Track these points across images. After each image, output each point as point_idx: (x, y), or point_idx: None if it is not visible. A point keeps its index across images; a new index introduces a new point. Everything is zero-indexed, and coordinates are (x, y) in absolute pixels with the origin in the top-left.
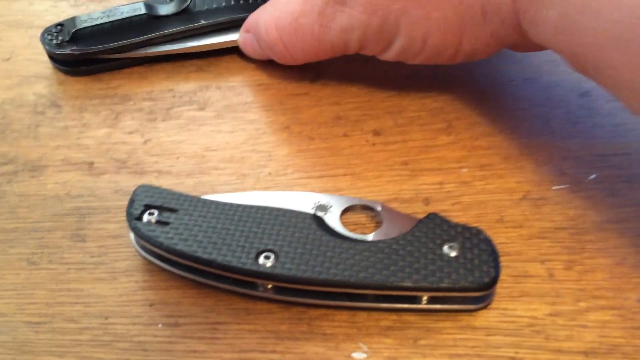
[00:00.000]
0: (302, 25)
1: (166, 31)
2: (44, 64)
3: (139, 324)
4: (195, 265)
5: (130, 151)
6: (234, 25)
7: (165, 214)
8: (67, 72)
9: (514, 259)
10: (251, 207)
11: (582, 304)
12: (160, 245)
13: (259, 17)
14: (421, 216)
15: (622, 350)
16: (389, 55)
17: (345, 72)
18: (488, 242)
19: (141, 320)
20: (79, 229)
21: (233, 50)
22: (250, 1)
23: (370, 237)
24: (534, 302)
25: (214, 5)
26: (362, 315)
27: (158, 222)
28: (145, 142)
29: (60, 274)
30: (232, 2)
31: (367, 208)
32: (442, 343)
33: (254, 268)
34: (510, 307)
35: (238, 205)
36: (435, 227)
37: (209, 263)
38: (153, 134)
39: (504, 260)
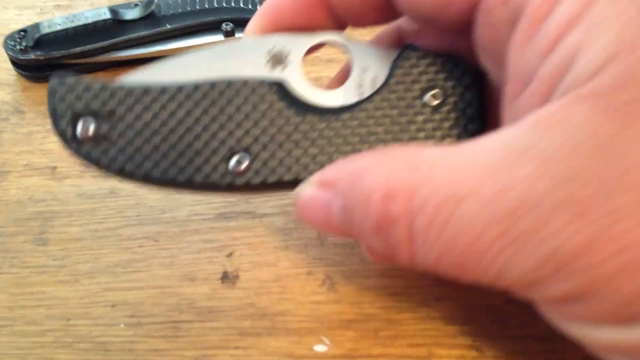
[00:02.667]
0: (461, 217)
1: (131, 36)
2: (8, 71)
3: (101, 325)
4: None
5: None
6: (199, 29)
7: (104, 124)
8: (31, 79)
9: None
10: (201, 91)
11: None
12: (115, 172)
13: (364, 169)
14: None
15: None
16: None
17: (310, 74)
18: (472, 72)
19: (103, 321)
20: (42, 233)
21: None
22: (215, 5)
23: (340, 95)
24: (490, 292)
25: (179, 10)
26: (325, 308)
27: (96, 137)
28: None
29: (22, 278)
30: (197, 7)
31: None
32: (402, 334)
33: (229, 181)
34: (468, 296)
35: (185, 96)
36: (413, 68)
37: (181, 185)
38: None
39: None
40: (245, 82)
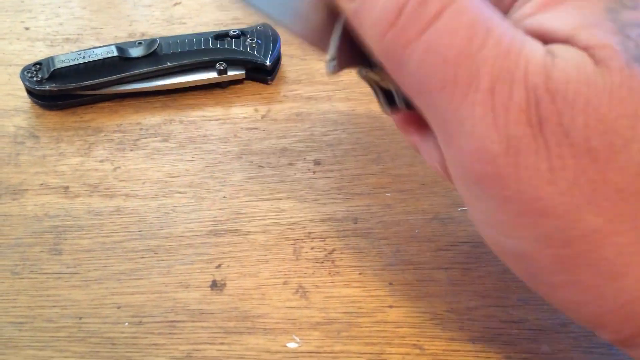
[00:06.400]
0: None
1: (135, 71)
2: (23, 99)
3: (109, 323)
4: None
5: (102, 177)
6: (195, 67)
7: None
8: (44, 106)
9: (423, 267)
10: None
11: (473, 303)
12: None
13: None
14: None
15: (501, 339)
16: None
17: (292, 110)
18: None
19: (110, 320)
20: (56, 244)
21: (194, 89)
22: (210, 46)
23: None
24: (435, 302)
25: (179, 50)
26: (297, 313)
27: None
28: (114, 169)
29: (40, 282)
30: (194, 47)
31: None
32: (360, 334)
33: None
34: (416, 305)
35: None
36: None
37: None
38: (122, 162)
39: (414, 268)
40: None
